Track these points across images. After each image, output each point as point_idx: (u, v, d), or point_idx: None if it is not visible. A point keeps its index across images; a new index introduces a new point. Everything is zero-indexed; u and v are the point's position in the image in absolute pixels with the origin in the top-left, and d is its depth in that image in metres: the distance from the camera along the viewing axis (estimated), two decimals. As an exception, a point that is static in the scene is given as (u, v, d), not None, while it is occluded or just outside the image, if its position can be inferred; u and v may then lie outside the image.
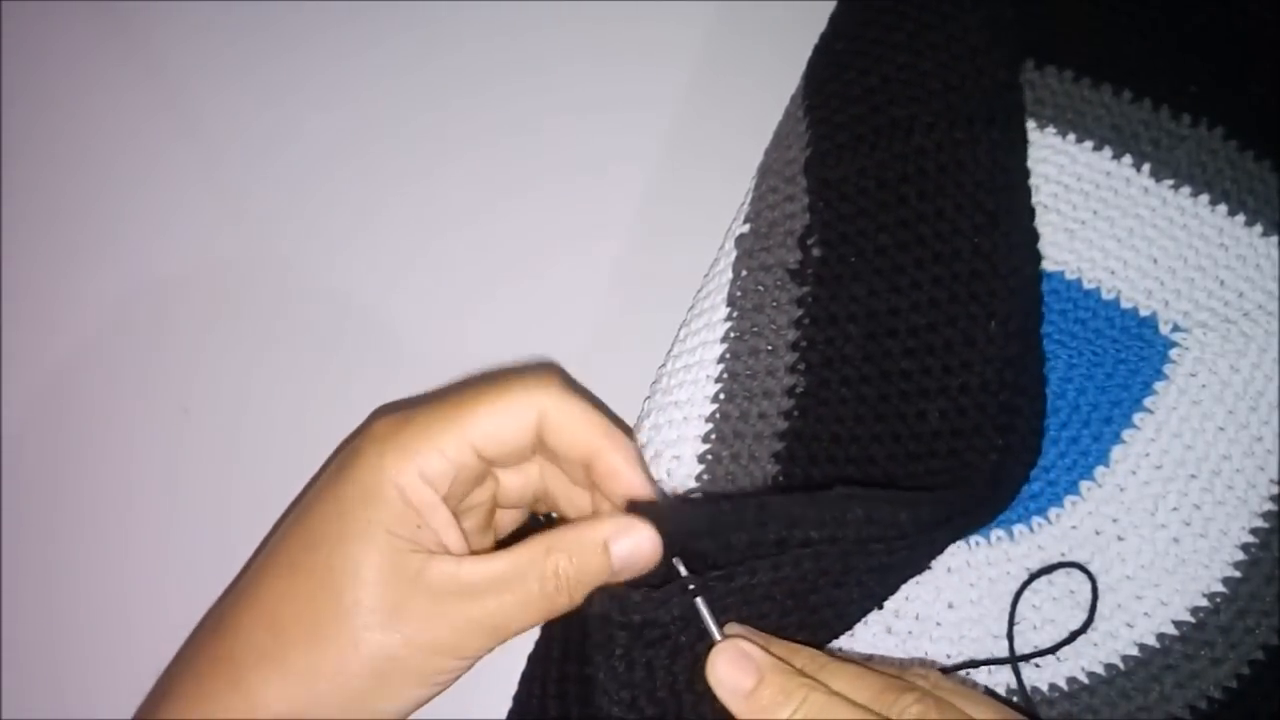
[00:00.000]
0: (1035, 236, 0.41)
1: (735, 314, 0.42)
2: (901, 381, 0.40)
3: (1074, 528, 0.41)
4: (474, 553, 0.34)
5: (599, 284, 0.46)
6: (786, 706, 0.30)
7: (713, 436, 0.41)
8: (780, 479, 0.41)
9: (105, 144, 0.47)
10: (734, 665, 0.31)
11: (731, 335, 0.42)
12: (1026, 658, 0.39)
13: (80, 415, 0.45)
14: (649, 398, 0.43)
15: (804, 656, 0.32)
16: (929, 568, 0.40)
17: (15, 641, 0.43)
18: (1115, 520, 0.41)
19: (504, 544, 0.35)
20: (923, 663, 0.40)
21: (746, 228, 0.43)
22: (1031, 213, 0.41)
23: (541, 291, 0.46)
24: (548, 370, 0.35)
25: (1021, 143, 0.42)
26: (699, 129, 0.47)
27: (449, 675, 0.33)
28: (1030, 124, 0.44)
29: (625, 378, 0.44)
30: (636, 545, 0.32)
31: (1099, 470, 0.41)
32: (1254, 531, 0.41)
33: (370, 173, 0.47)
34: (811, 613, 0.34)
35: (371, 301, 0.46)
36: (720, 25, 0.49)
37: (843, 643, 0.40)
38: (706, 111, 0.48)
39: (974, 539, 0.41)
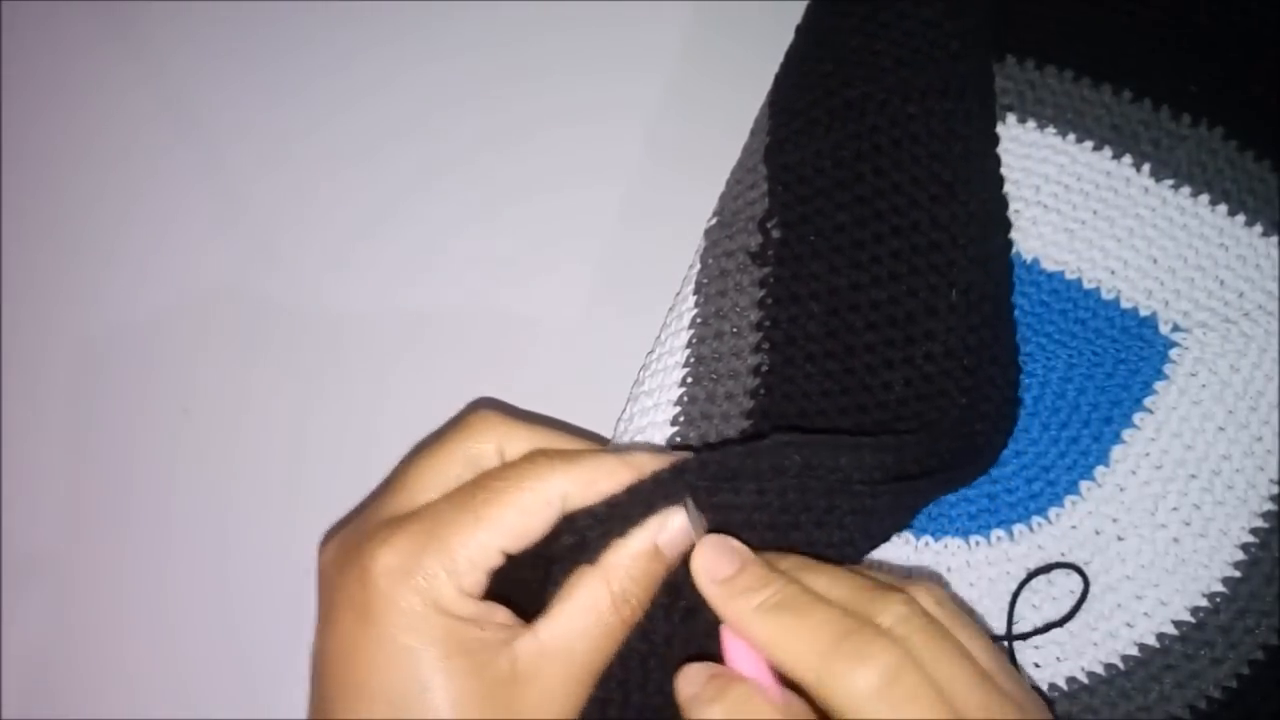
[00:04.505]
0: (1002, 205, 0.41)
1: (701, 300, 0.42)
2: (865, 354, 0.40)
3: (1074, 527, 0.41)
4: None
5: (592, 286, 0.46)
6: (761, 593, 0.31)
7: (680, 420, 0.41)
8: None
9: (105, 145, 0.47)
10: (717, 553, 0.32)
11: (697, 321, 0.42)
12: (1009, 638, 0.40)
13: (81, 415, 0.45)
14: (629, 397, 0.43)
15: (787, 562, 0.33)
16: (909, 525, 0.40)
17: (15, 641, 0.43)
18: (1115, 520, 0.41)
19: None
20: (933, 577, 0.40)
21: (714, 220, 0.43)
22: (998, 181, 0.41)
23: (536, 294, 0.46)
24: (544, 453, 0.33)
25: (982, 112, 0.42)
26: (680, 130, 0.48)
27: None
28: (1030, 124, 0.44)
29: (618, 381, 0.44)
30: (682, 530, 0.32)
31: (1099, 470, 0.41)
32: (1254, 531, 0.41)
33: (367, 175, 0.47)
34: (789, 549, 0.34)
35: (370, 303, 0.46)
36: (697, 26, 0.49)
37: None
38: (687, 112, 0.48)
39: (974, 538, 0.41)
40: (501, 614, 0.32)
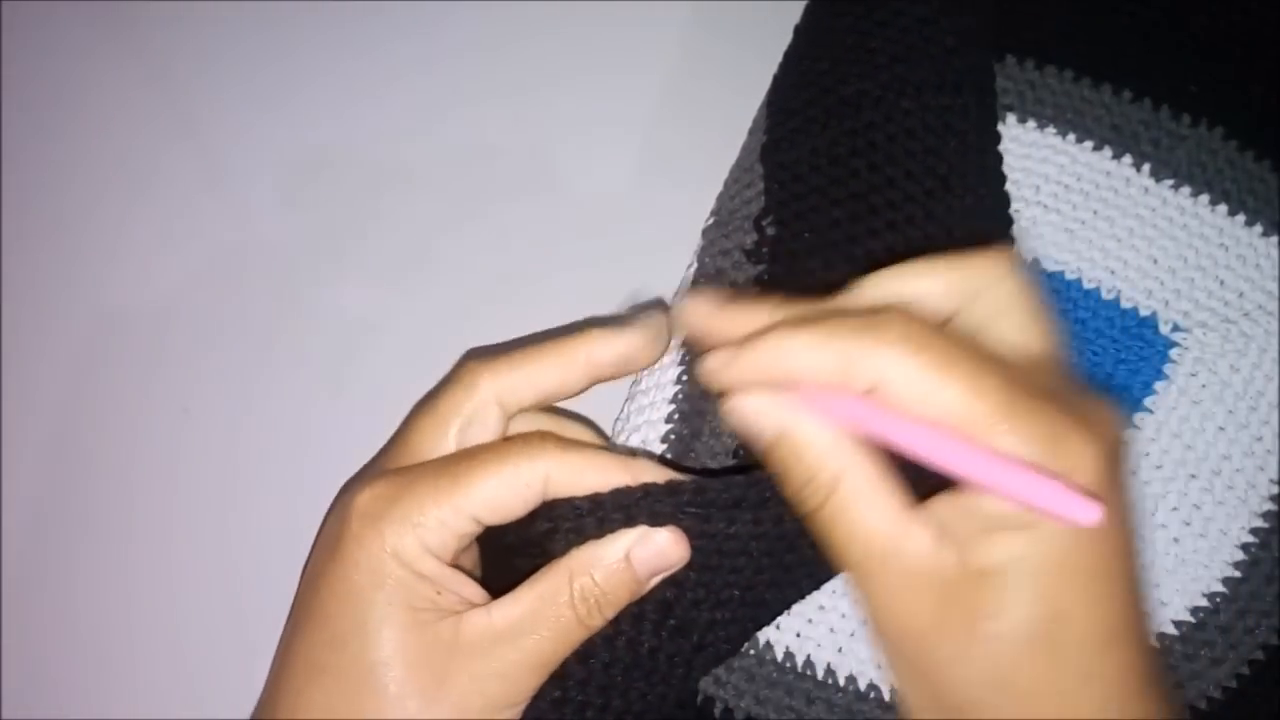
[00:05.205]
0: (1004, 201, 0.41)
1: None
2: None
3: (1074, 527, 0.41)
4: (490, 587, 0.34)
5: (591, 287, 0.46)
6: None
7: (675, 416, 0.41)
8: (740, 451, 0.41)
9: (106, 145, 0.47)
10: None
11: None
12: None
13: (81, 415, 0.45)
14: (626, 397, 0.43)
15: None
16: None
17: (15, 641, 0.43)
18: (1115, 520, 0.41)
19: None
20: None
21: (712, 220, 0.43)
22: (999, 178, 0.41)
23: (537, 295, 0.46)
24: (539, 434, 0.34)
25: (980, 108, 0.42)
26: (679, 131, 0.47)
27: None
28: (1030, 124, 0.44)
29: (618, 380, 0.44)
30: (660, 551, 0.32)
31: (1099, 470, 0.41)
32: (1254, 531, 0.41)
33: (365, 175, 0.47)
34: (786, 571, 0.34)
35: (371, 302, 0.46)
36: (695, 27, 0.49)
37: (843, 643, 0.40)
38: (686, 113, 0.48)
39: (974, 539, 0.41)
40: (469, 588, 0.32)
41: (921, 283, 0.32)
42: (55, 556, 0.44)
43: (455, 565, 0.33)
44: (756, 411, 0.30)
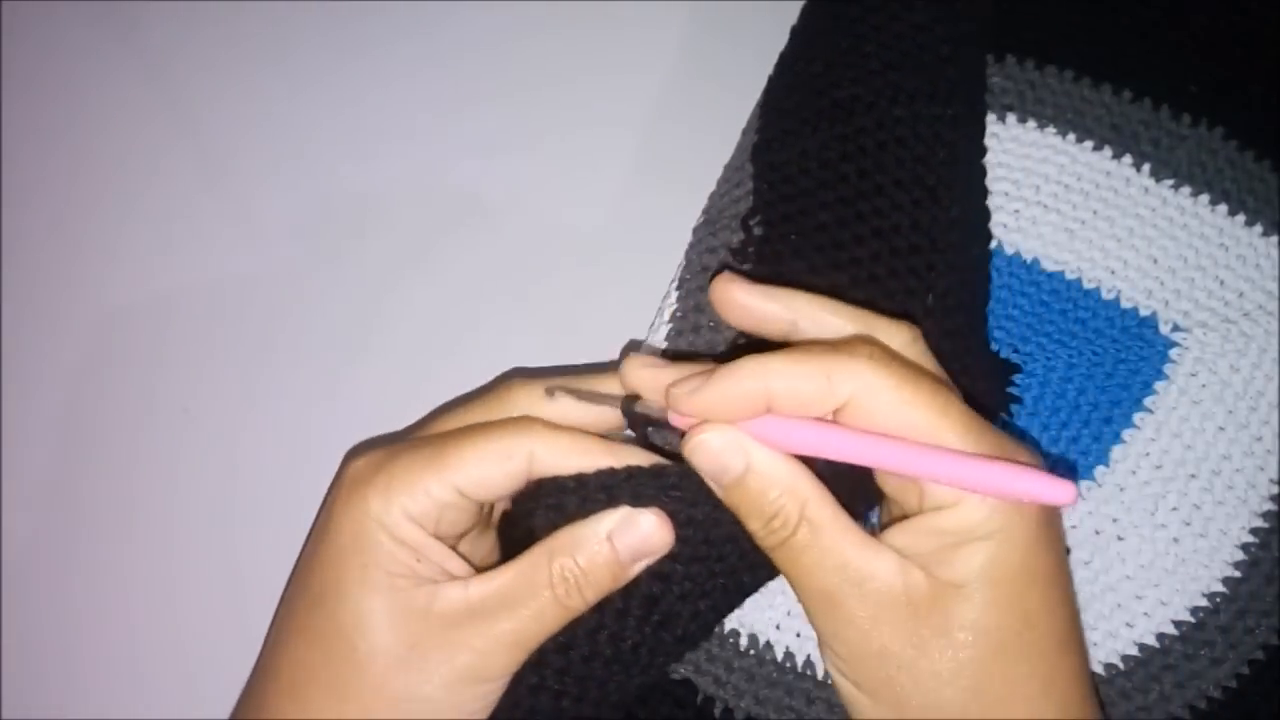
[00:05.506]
0: (985, 214, 0.42)
1: (682, 295, 0.42)
2: None
3: (1074, 527, 0.41)
4: (477, 565, 0.34)
5: (588, 286, 0.46)
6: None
7: None
8: None
9: (106, 145, 0.47)
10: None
11: (676, 316, 0.42)
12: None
13: (82, 414, 0.45)
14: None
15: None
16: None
17: (15, 641, 0.43)
18: (1115, 520, 0.41)
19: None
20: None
21: (702, 218, 0.43)
22: (983, 191, 0.42)
23: (536, 292, 0.46)
24: (528, 419, 0.34)
25: (970, 117, 0.42)
26: (675, 132, 0.48)
27: (483, 701, 0.32)
28: (1030, 124, 0.44)
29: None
30: (644, 535, 0.31)
31: (1099, 470, 0.41)
32: (1254, 531, 0.41)
33: (364, 175, 0.47)
34: (765, 554, 0.34)
35: (370, 302, 0.46)
36: (693, 27, 0.49)
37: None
38: (682, 114, 0.48)
39: (974, 539, 0.41)
40: (453, 562, 0.33)
41: (832, 324, 0.33)
42: (55, 556, 0.44)
43: (453, 549, 0.33)
44: (724, 445, 0.30)
